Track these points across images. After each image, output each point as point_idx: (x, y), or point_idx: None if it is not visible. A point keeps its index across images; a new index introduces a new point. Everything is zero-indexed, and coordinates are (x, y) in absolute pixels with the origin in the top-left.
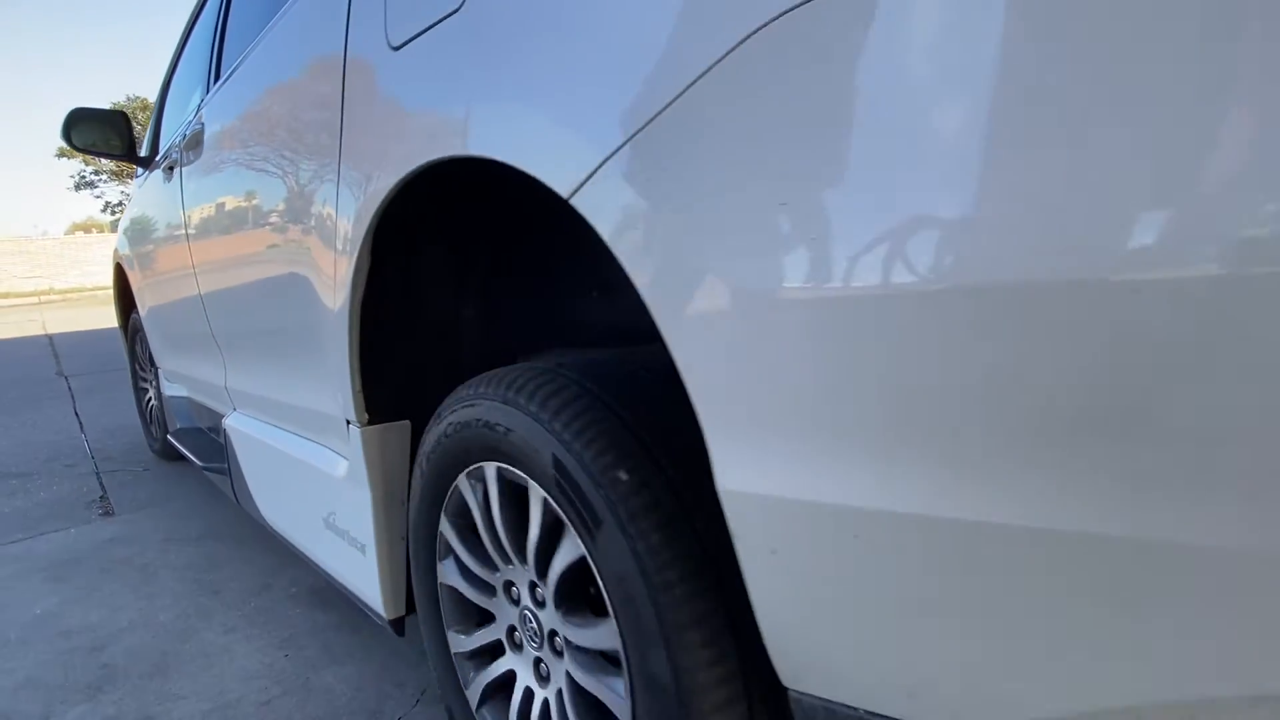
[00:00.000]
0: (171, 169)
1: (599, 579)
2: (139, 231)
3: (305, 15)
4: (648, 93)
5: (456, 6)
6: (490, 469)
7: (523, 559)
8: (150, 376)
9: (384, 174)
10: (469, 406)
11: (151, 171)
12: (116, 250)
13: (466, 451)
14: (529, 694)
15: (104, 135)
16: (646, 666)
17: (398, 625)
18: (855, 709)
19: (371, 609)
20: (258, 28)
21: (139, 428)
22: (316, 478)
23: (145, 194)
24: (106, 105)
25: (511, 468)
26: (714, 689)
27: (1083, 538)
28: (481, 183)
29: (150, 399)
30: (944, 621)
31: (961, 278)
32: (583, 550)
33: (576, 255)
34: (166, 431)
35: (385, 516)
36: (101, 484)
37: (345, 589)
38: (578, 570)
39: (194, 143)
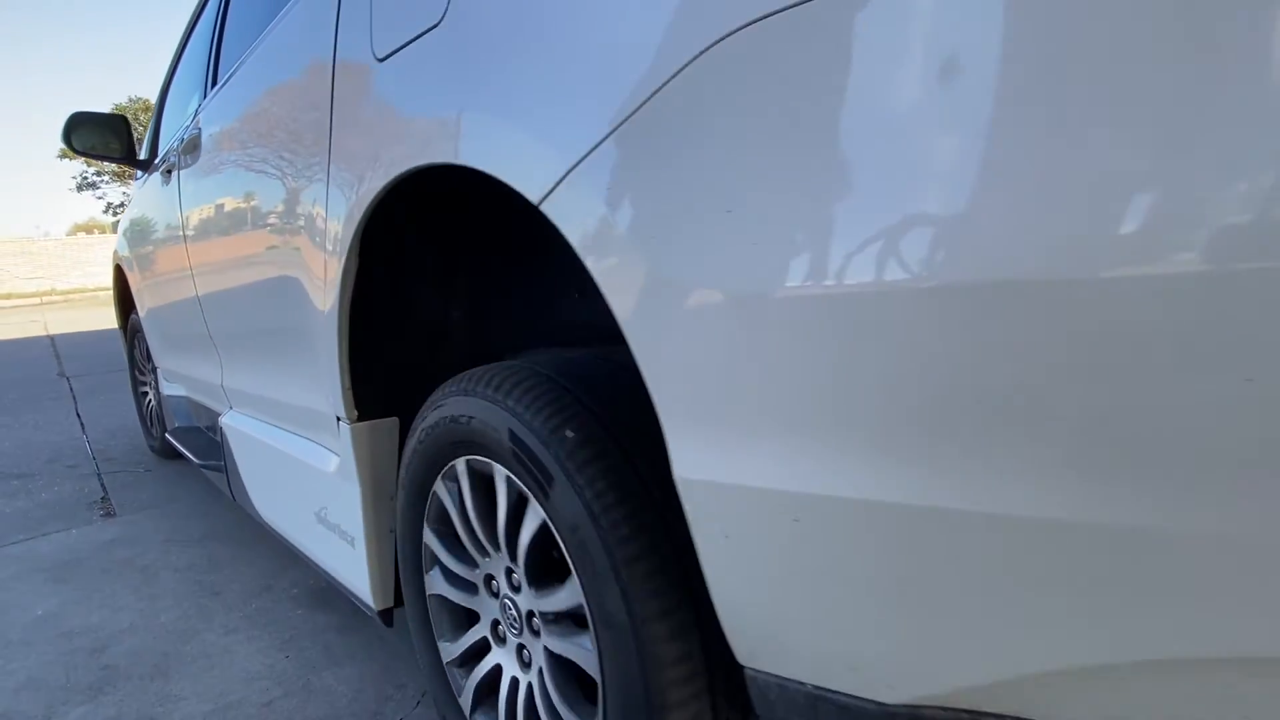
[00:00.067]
0: (170, 172)
1: (557, 537)
2: (138, 233)
3: (297, 25)
4: (607, 107)
5: (437, 21)
6: (460, 465)
7: (496, 545)
8: (149, 376)
9: (370, 179)
10: (437, 409)
11: (150, 174)
12: (116, 252)
13: (439, 452)
14: (514, 683)
15: (104, 138)
16: (604, 608)
17: (386, 616)
18: (804, 684)
19: (361, 600)
20: (253, 35)
21: (140, 429)
22: (309, 473)
23: (144, 196)
24: (109, 106)
25: (478, 457)
26: (663, 619)
27: (997, 519)
28: (465, 188)
29: (149, 398)
30: (878, 599)
31: (896, 279)
32: (543, 515)
33: (559, 257)
34: (165, 430)
35: (374, 510)
36: (103, 485)
37: (336, 582)
38: (542, 540)
39: (191, 146)
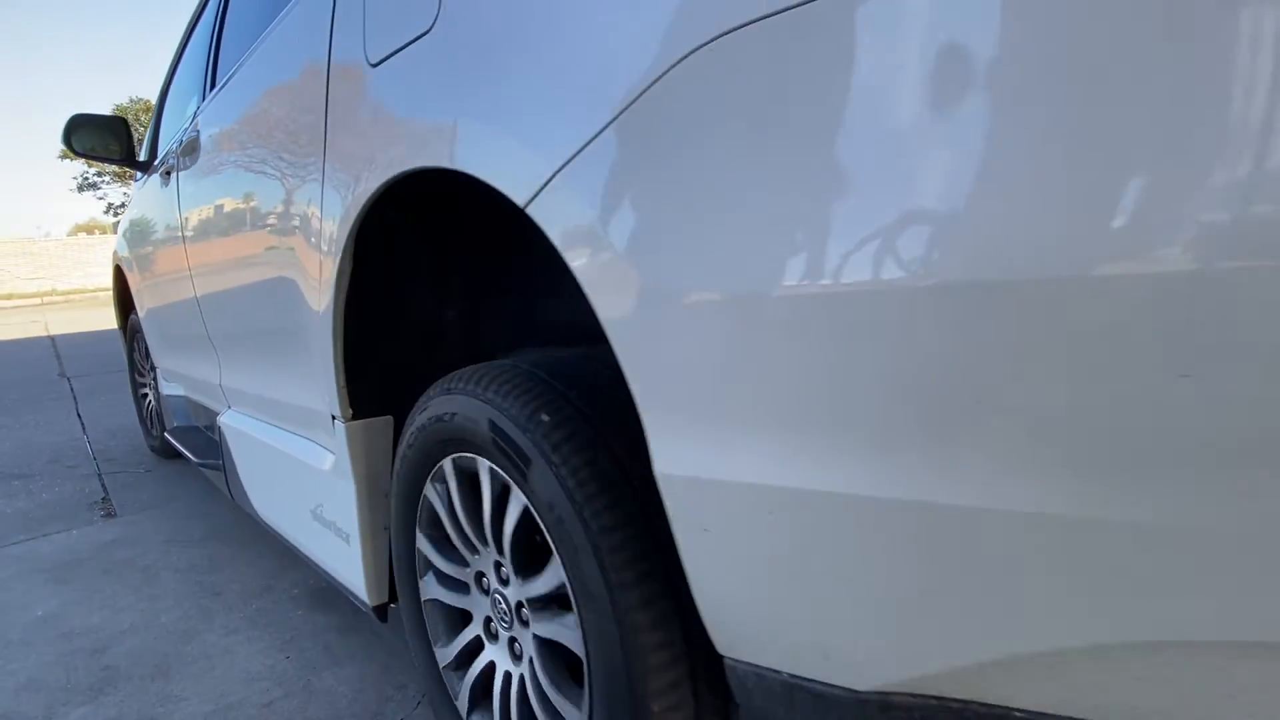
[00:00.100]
0: (169, 173)
1: (537, 517)
2: (137, 234)
3: (293, 30)
4: (588, 115)
5: (427, 28)
6: (447, 464)
7: (484, 540)
8: (149, 376)
9: (363, 182)
10: (423, 411)
11: (150, 175)
12: (116, 252)
13: (426, 454)
14: (507, 678)
15: (103, 140)
16: (583, 580)
17: (380, 612)
18: (781, 673)
19: (356, 596)
20: (250, 38)
21: (139, 429)
22: (305, 471)
23: (144, 198)
24: (110, 106)
25: (463, 453)
26: (637, 586)
27: (953, 511)
28: (458, 191)
29: (148, 398)
30: (846, 589)
31: (859, 281)
32: (524, 500)
33: (551, 259)
34: (164, 429)
35: (368, 507)
36: (104, 485)
37: (332, 578)
38: (525, 527)
39: (190, 148)
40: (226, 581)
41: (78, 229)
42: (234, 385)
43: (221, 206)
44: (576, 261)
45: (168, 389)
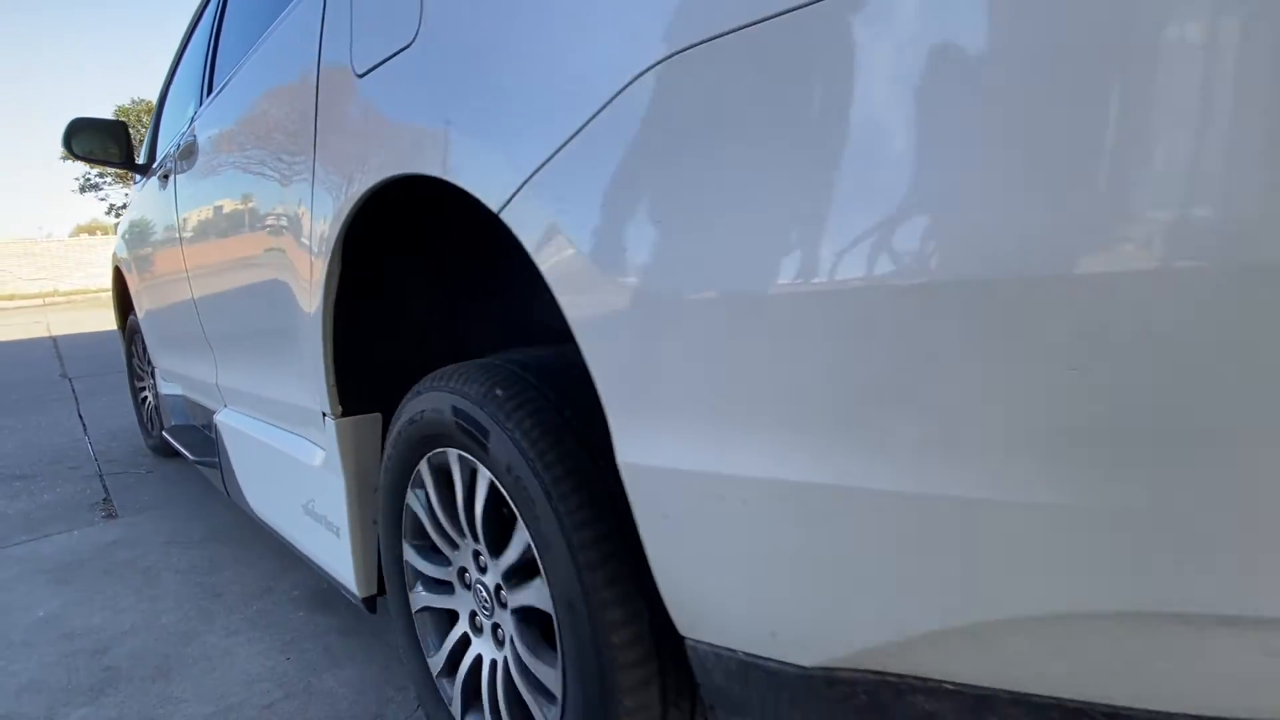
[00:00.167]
0: (167, 177)
1: (501, 487)
2: (136, 236)
3: (286, 40)
4: (554, 127)
5: (409, 42)
6: (423, 466)
7: (460, 530)
8: (147, 376)
9: (351, 187)
10: (399, 419)
11: (149, 178)
12: (115, 254)
13: (405, 462)
14: (494, 665)
15: (103, 144)
16: (541, 535)
17: (369, 603)
18: (736, 652)
19: (346, 588)
20: (246, 46)
21: (139, 429)
22: (297, 468)
23: (142, 200)
24: (112, 107)
25: (436, 449)
26: (594, 545)
27: (876, 495)
28: (443, 195)
29: (147, 398)
30: (788, 569)
31: (791, 286)
32: (489, 476)
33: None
34: (162, 428)
35: (358, 501)
36: (105, 486)
37: (323, 571)
38: (493, 503)
39: (187, 152)
40: (227, 583)
41: (80, 230)
42: (230, 384)
43: (217, 209)
44: (545, 264)
45: (166, 388)
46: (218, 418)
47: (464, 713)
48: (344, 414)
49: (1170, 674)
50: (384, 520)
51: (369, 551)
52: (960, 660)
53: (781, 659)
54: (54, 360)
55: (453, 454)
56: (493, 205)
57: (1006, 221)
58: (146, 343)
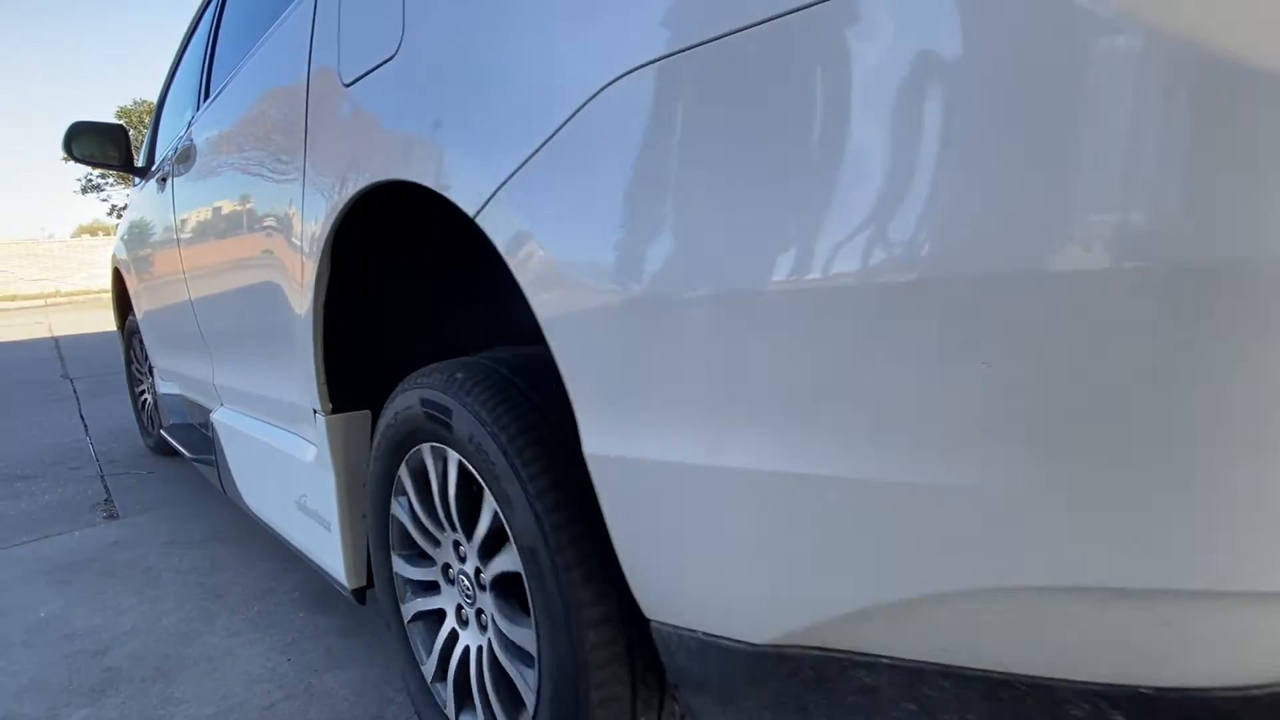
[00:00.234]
0: (165, 179)
1: (467, 463)
2: (135, 238)
3: (278, 49)
4: (526, 136)
5: (392, 54)
6: (403, 472)
7: (439, 524)
8: (146, 376)
9: (339, 191)
10: (379, 428)
11: (147, 181)
12: (114, 255)
13: (387, 471)
14: (479, 651)
15: (103, 147)
16: (504, 493)
17: (359, 595)
18: (695, 631)
19: (337, 580)
20: (242, 53)
21: (138, 428)
22: (290, 464)
23: (141, 202)
24: (114, 108)
25: (413, 450)
26: (550, 491)
27: (813, 479)
28: (428, 200)
29: (146, 397)
30: (735, 551)
31: (735, 287)
32: (458, 458)
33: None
34: (160, 427)
35: (347, 496)
36: (106, 487)
37: (314, 564)
38: (465, 488)
39: (184, 156)
40: (228, 583)
41: (82, 230)
42: (226, 383)
43: (213, 212)
44: (516, 266)
45: (164, 388)
46: (214, 416)
47: (458, 712)
48: (334, 411)
49: (1078, 645)
50: (374, 537)
51: (358, 544)
52: (894, 636)
53: (736, 637)
54: (56, 361)
55: (425, 449)
56: (469, 210)
57: (922, 232)
58: (145, 342)
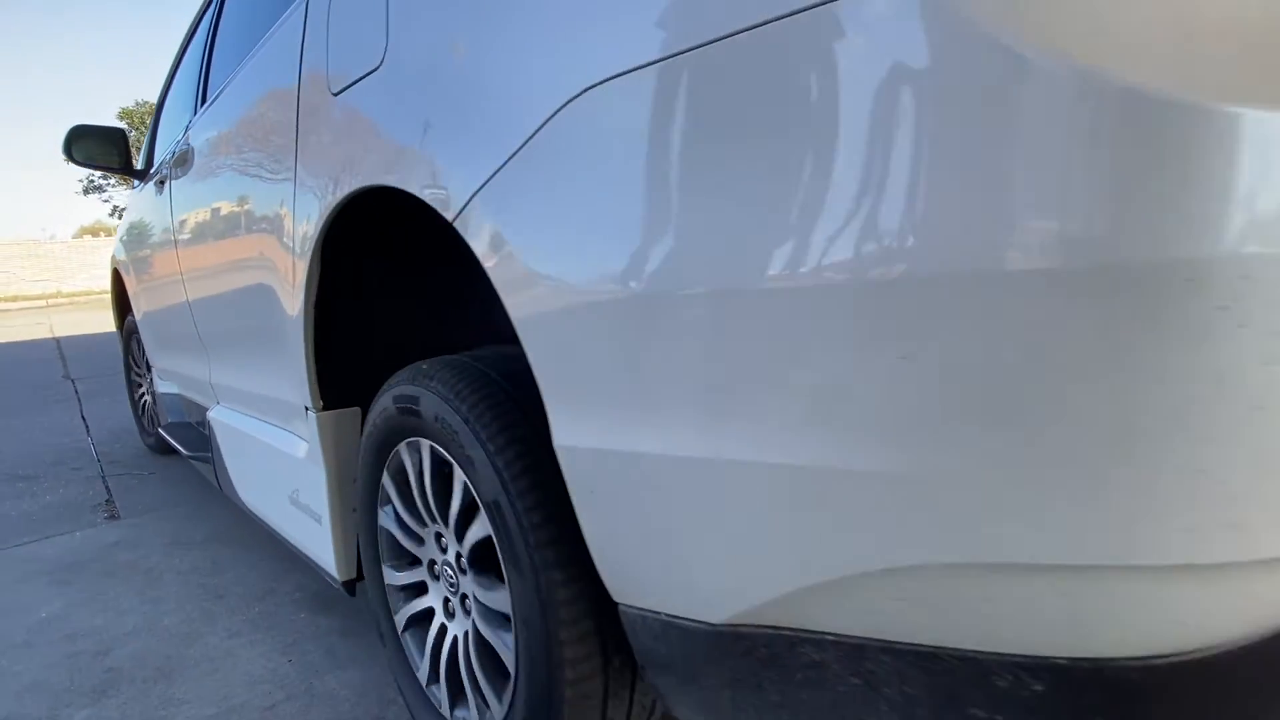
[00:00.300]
0: (163, 182)
1: (437, 447)
2: (134, 240)
3: (271, 58)
4: (498, 146)
5: (377, 65)
6: (386, 480)
7: (421, 519)
8: (145, 375)
9: (328, 195)
10: (362, 441)
11: (146, 184)
12: (114, 256)
13: (372, 481)
14: (465, 637)
15: (103, 150)
16: (467, 457)
17: (349, 587)
18: (659, 613)
19: (327, 573)
20: (237, 59)
21: (136, 427)
22: (283, 460)
23: (140, 205)
24: (115, 109)
25: (391, 453)
26: (509, 446)
27: (753, 466)
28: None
29: (144, 396)
30: (689, 535)
31: (685, 289)
32: (429, 445)
33: None
34: (158, 426)
35: (338, 490)
36: (107, 487)
37: (306, 557)
38: (439, 472)
39: (182, 159)
40: (229, 584)
41: (83, 231)
42: (222, 381)
43: (210, 214)
44: (490, 268)
45: (163, 387)
46: (211, 414)
47: (452, 708)
48: (325, 408)
49: (995, 618)
50: (366, 551)
51: (348, 537)
52: (835, 613)
53: (695, 618)
54: (57, 361)
55: (403, 448)
56: (448, 215)
57: (848, 237)
58: (144, 342)
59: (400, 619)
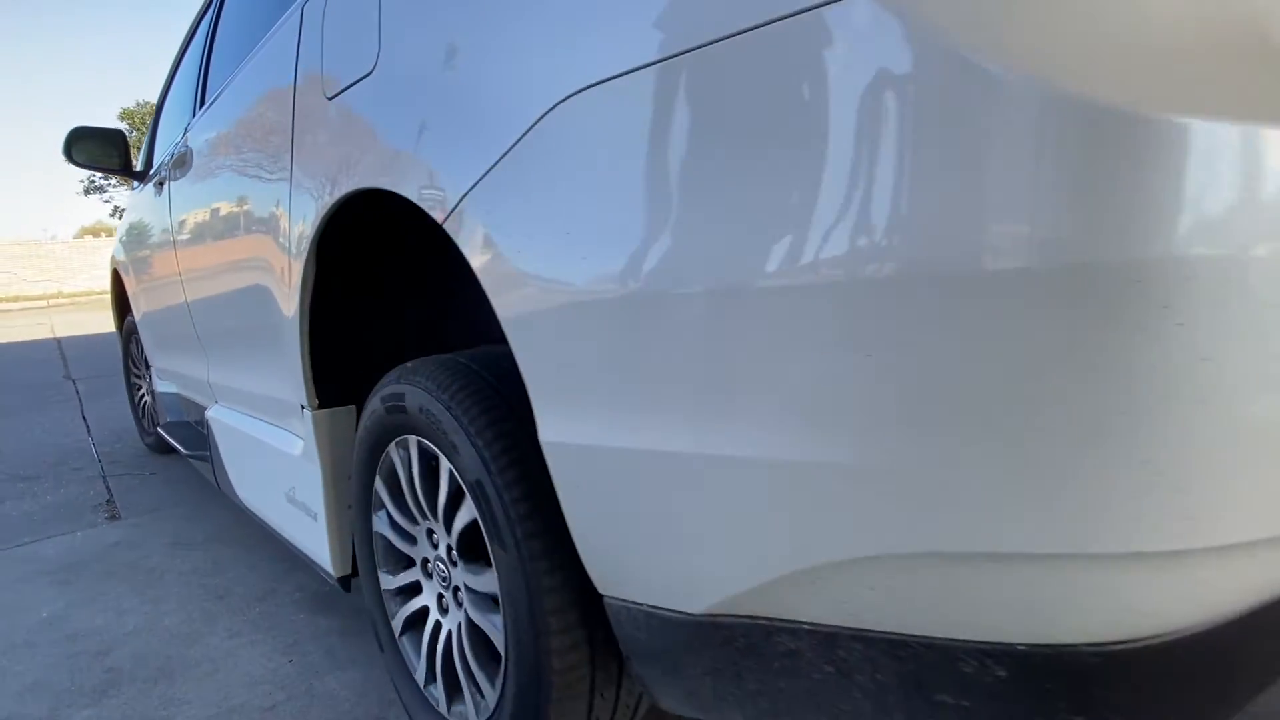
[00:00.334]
0: (162, 184)
1: (424, 440)
2: (133, 240)
3: (267, 63)
4: (486, 150)
5: (369, 71)
6: (378, 485)
7: (412, 517)
8: (144, 375)
9: (323, 198)
10: (354, 456)
11: (145, 185)
12: (114, 257)
13: (366, 486)
14: (459, 629)
15: (103, 152)
16: (450, 443)
17: (344, 583)
18: (641, 604)
19: (323, 569)
20: (235, 63)
21: (136, 427)
22: (280, 458)
23: (139, 206)
24: (117, 109)
25: (383, 454)
26: (490, 427)
27: (727, 460)
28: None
29: (144, 396)
30: (668, 528)
31: (666, 289)
32: (416, 440)
33: None
34: (157, 425)
35: (333, 487)
36: (108, 487)
37: (303, 554)
38: (426, 466)
39: (180, 161)
40: (230, 584)
41: (84, 231)
42: (220, 381)
43: (208, 215)
44: (479, 269)
45: (162, 386)
46: (209, 413)
47: (449, 704)
48: (320, 406)
49: (959, 606)
50: (363, 561)
51: (344, 534)
52: (808, 602)
53: (676, 608)
54: (58, 361)
55: (392, 448)
56: (438, 217)
57: (815, 238)
58: (143, 342)
59: (397, 624)
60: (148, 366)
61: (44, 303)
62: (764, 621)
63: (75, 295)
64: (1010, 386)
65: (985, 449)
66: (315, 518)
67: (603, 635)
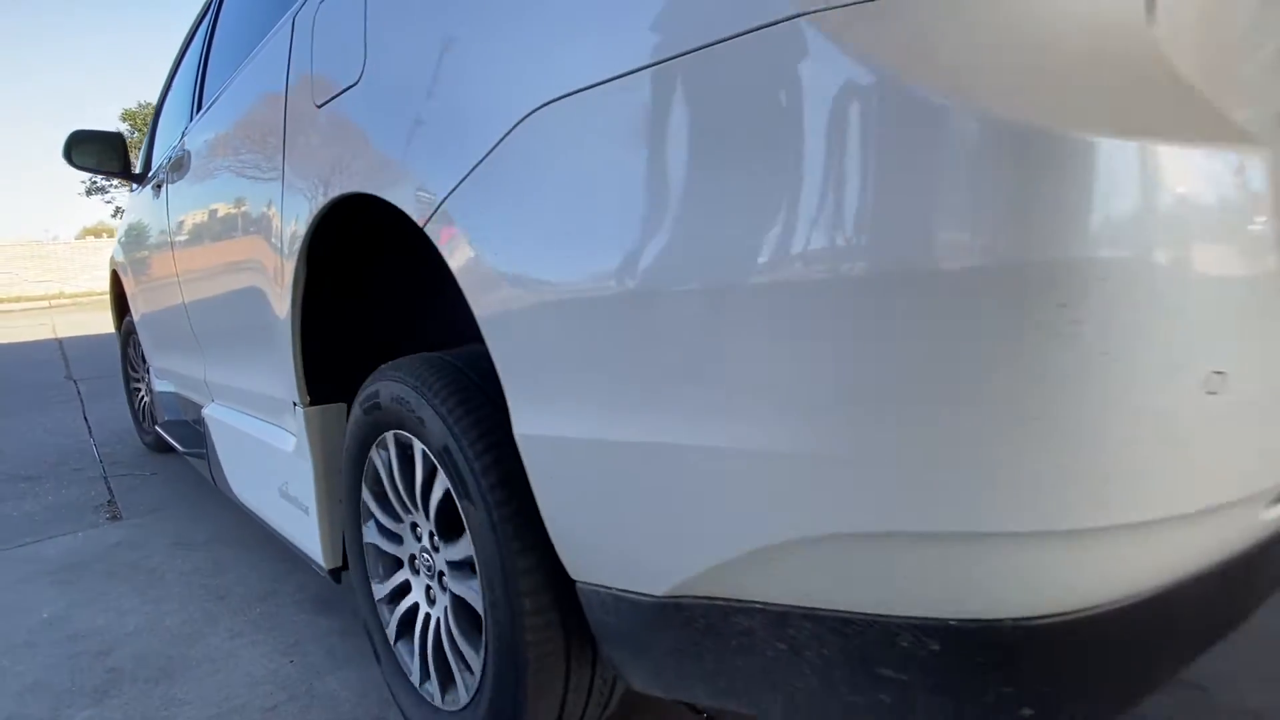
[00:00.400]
0: (160, 186)
1: (401, 430)
2: (132, 242)
3: (260, 71)
4: (463, 157)
5: (356, 80)
6: (365, 494)
7: (395, 515)
8: (142, 375)
9: (313, 202)
10: (343, 465)
11: (144, 187)
12: (113, 258)
13: (354, 498)
14: (445, 613)
15: (103, 155)
16: (421, 420)
17: (335, 575)
18: (610, 588)
19: (314, 562)
20: (231, 69)
21: (135, 427)
22: (274, 454)
23: (138, 208)
24: (118, 110)
25: (367, 460)
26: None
27: (678, 448)
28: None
29: (142, 396)
30: (628, 512)
31: (622, 289)
32: (393, 434)
33: None
34: (156, 424)
35: (324, 481)
36: (109, 488)
37: (295, 547)
38: (405, 456)
39: (178, 164)
40: (231, 585)
41: (86, 232)
42: (216, 379)
43: (204, 218)
44: (457, 270)
45: (160, 385)
46: (205, 411)
47: (443, 695)
48: (312, 403)
49: (893, 584)
50: (356, 576)
51: (334, 527)
52: (762, 583)
53: (641, 591)
54: (59, 362)
55: (374, 452)
56: (419, 221)
57: (781, 239)
58: (142, 342)
59: (391, 630)
60: (146, 366)
61: (46, 303)
62: (721, 602)
63: (77, 295)
64: (934, 378)
65: (913, 436)
66: (307, 511)
67: (575, 620)
